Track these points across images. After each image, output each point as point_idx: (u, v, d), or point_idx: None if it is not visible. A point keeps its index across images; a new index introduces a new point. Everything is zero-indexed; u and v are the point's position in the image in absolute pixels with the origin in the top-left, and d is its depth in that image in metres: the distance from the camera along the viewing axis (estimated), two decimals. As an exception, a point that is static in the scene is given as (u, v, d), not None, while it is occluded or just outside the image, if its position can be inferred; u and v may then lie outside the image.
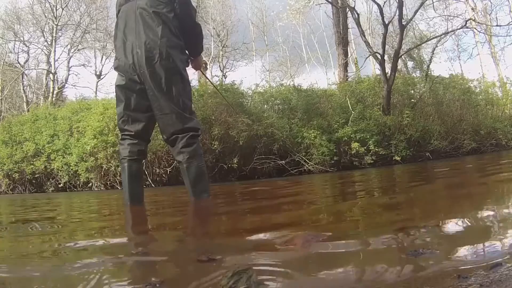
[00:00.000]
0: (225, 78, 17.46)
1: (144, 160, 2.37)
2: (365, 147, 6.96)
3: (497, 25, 10.71)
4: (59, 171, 7.32)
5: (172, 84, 2.02)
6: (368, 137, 7.03)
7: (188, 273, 0.79)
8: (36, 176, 7.65)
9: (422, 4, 9.07)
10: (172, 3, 2.07)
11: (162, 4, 2.05)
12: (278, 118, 7.21)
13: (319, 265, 0.77)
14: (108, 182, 7.00)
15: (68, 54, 18.86)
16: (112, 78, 20.03)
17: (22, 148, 7.74)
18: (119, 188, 6.61)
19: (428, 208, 1.53)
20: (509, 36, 11.92)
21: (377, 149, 6.95)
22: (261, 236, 1.14)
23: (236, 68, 22.28)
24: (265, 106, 8.01)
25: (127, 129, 2.13)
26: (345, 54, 11.13)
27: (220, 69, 20.42)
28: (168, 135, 2.08)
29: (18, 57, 18.83)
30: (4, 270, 0.90)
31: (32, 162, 7.52)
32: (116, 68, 2.15)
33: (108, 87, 20.89)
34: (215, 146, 6.31)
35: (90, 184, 7.12)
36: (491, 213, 1.21)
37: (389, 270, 0.70)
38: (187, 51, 2.23)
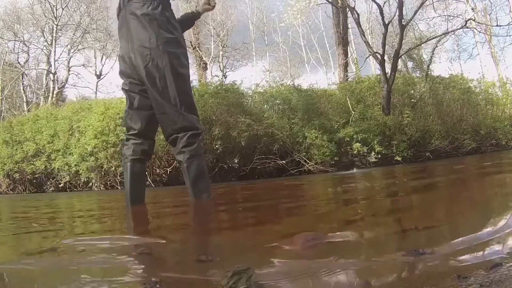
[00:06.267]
0: (225, 78, 17.44)
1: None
2: (367, 147, 6.96)
3: (497, 25, 10.71)
4: (60, 171, 7.32)
5: (167, 83, 2.03)
6: (371, 137, 7.03)
7: (189, 273, 0.79)
8: (36, 176, 7.65)
9: (422, 4, 9.06)
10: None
11: (147, 3, 2.06)
12: (278, 118, 7.21)
13: (319, 265, 0.77)
14: (108, 182, 7.00)
15: (68, 54, 18.90)
16: (112, 78, 20.11)
17: (22, 148, 7.75)
18: (119, 188, 6.61)
19: (428, 208, 1.53)
20: (509, 36, 11.95)
21: (379, 149, 6.96)
22: (261, 236, 1.14)
23: (236, 68, 22.30)
24: (265, 106, 8.01)
25: (132, 126, 2.15)
26: (345, 54, 11.13)
27: (220, 69, 20.40)
28: (167, 134, 2.09)
29: (18, 57, 18.89)
30: (5, 268, 0.90)
31: (32, 162, 7.53)
32: (119, 74, 2.21)
33: (108, 87, 20.95)
34: (216, 146, 6.31)
35: (91, 184, 7.12)
36: (492, 213, 1.21)
37: (390, 270, 0.70)
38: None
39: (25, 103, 17.80)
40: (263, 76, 19.41)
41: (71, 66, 19.07)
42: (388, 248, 0.87)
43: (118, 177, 6.75)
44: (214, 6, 2.52)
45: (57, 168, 7.30)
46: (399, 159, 7.17)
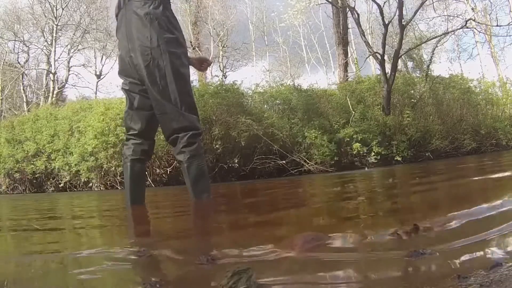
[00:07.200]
0: (225, 78, 17.45)
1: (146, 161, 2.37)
2: (367, 148, 6.96)
3: (497, 25, 10.72)
4: (60, 171, 7.33)
5: (168, 82, 2.01)
6: (371, 137, 7.03)
7: (188, 273, 0.79)
8: (36, 176, 7.65)
9: (422, 4, 9.07)
10: None
11: (148, 3, 2.04)
12: (278, 118, 7.21)
13: (319, 266, 0.77)
14: (108, 182, 7.00)
15: (68, 54, 18.90)
16: (112, 78, 20.11)
17: (23, 147, 7.75)
18: (119, 188, 6.61)
19: (428, 208, 1.53)
20: (509, 36, 11.95)
21: (379, 150, 6.96)
22: (261, 236, 1.14)
23: (236, 68, 22.30)
24: (265, 106, 8.01)
25: (132, 126, 2.14)
26: (345, 54, 11.14)
27: (220, 69, 20.41)
28: (168, 134, 2.08)
29: (18, 57, 18.89)
30: (5, 269, 0.90)
31: (32, 162, 7.53)
32: (118, 73, 2.19)
33: (108, 87, 20.92)
34: (216, 146, 6.31)
35: (91, 184, 7.12)
36: (492, 212, 1.21)
37: (389, 270, 0.70)
38: None
39: (25, 103, 17.81)
40: (263, 76, 19.43)
41: (71, 66, 19.10)
42: (388, 248, 0.87)
43: (118, 177, 6.75)
44: (204, 70, 2.62)
45: (57, 168, 7.31)
46: (399, 159, 7.17)
